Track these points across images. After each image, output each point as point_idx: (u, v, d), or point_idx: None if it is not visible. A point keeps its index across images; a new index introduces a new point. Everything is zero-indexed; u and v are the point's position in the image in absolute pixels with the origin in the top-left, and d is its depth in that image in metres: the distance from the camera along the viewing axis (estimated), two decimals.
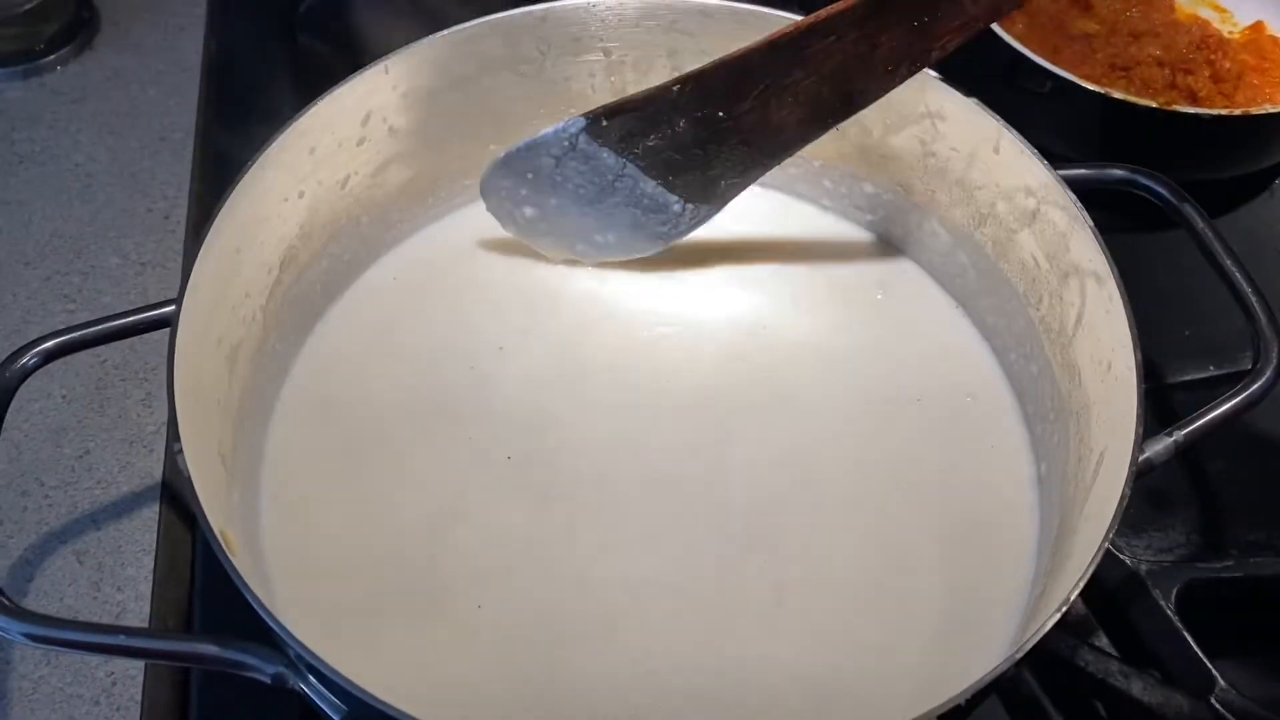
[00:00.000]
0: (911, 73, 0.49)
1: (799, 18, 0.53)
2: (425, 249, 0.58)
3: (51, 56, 0.74)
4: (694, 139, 0.51)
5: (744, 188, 0.53)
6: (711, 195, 0.53)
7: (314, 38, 0.78)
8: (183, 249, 0.65)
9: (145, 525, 0.55)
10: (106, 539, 0.54)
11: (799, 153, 0.58)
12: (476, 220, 0.59)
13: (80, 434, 0.58)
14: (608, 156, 0.51)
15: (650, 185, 0.52)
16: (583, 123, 0.51)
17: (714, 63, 0.49)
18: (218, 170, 0.69)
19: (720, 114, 0.50)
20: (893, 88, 0.49)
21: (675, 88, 0.50)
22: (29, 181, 0.68)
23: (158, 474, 0.56)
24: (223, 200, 0.46)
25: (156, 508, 0.55)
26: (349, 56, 0.77)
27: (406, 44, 0.53)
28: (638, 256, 0.57)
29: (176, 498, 0.57)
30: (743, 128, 0.50)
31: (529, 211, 0.55)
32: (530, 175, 0.53)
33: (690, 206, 0.53)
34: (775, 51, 0.48)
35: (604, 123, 0.51)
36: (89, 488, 0.56)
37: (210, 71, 0.74)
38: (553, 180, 0.53)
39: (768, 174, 0.59)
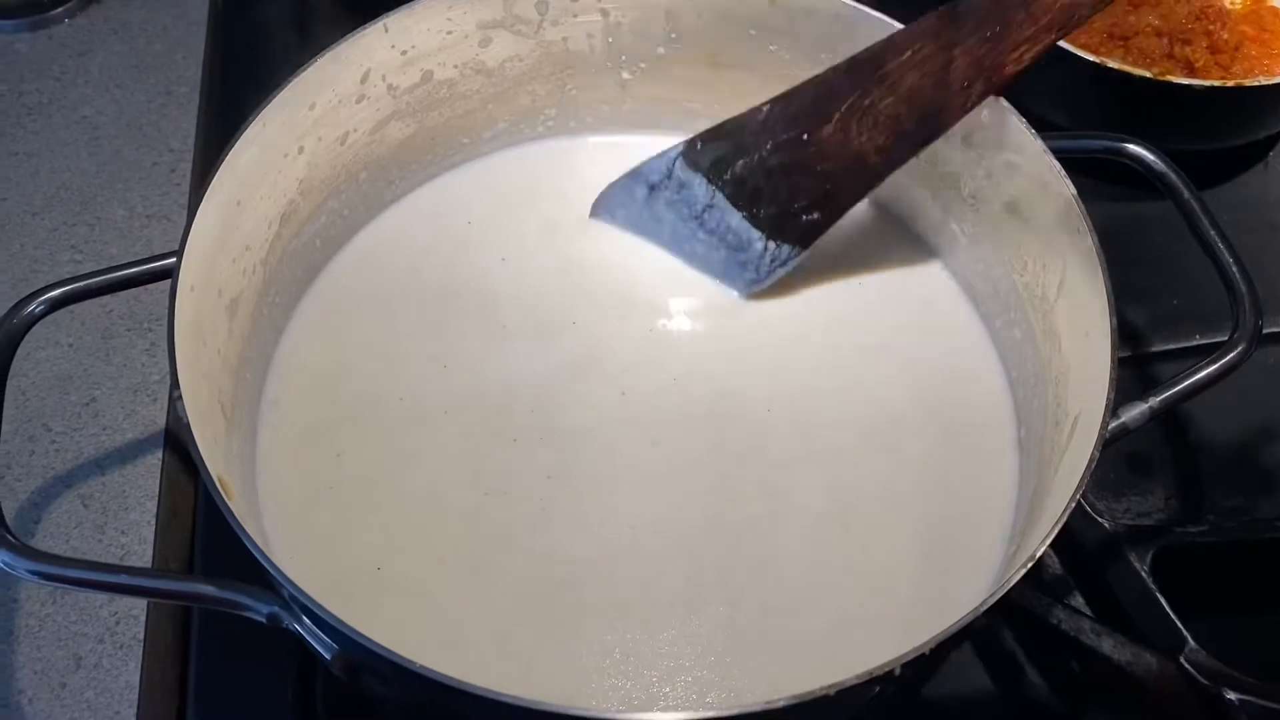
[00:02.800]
0: (988, 90, 0.48)
1: None
2: (423, 206, 0.59)
3: (59, 9, 0.74)
4: (779, 165, 0.52)
5: (826, 226, 0.53)
6: (794, 231, 0.53)
7: None
8: (188, 202, 0.66)
9: (149, 471, 0.56)
10: (111, 484, 0.56)
11: None
12: (474, 178, 0.60)
13: (86, 381, 0.59)
14: (699, 185, 0.54)
15: (735, 218, 0.53)
16: (681, 147, 0.54)
17: (798, 85, 0.51)
18: (223, 124, 0.70)
19: (804, 136, 0.51)
20: (971, 107, 0.49)
21: (764, 108, 0.52)
22: (37, 133, 0.69)
23: (161, 421, 0.58)
24: (224, 153, 0.47)
25: (160, 454, 0.57)
26: (354, 12, 0.77)
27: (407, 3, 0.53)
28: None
29: (179, 445, 0.58)
30: (826, 154, 0.51)
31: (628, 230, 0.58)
32: (626, 207, 0.57)
33: (773, 244, 0.54)
34: (855, 70, 0.50)
35: (699, 146, 0.53)
36: (94, 434, 0.57)
37: (216, 25, 0.75)
38: (646, 212, 0.56)
39: None
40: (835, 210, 0.53)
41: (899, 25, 0.53)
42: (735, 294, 0.56)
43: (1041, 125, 0.51)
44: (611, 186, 0.56)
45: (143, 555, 0.54)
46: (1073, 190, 0.47)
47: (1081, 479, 0.40)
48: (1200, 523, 0.56)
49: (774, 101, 0.52)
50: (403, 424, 0.52)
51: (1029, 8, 0.46)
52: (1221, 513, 0.56)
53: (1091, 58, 0.61)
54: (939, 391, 0.54)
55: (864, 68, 0.49)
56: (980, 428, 0.52)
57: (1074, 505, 0.39)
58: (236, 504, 0.40)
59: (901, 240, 0.58)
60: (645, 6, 0.56)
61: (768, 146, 0.52)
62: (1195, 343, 0.61)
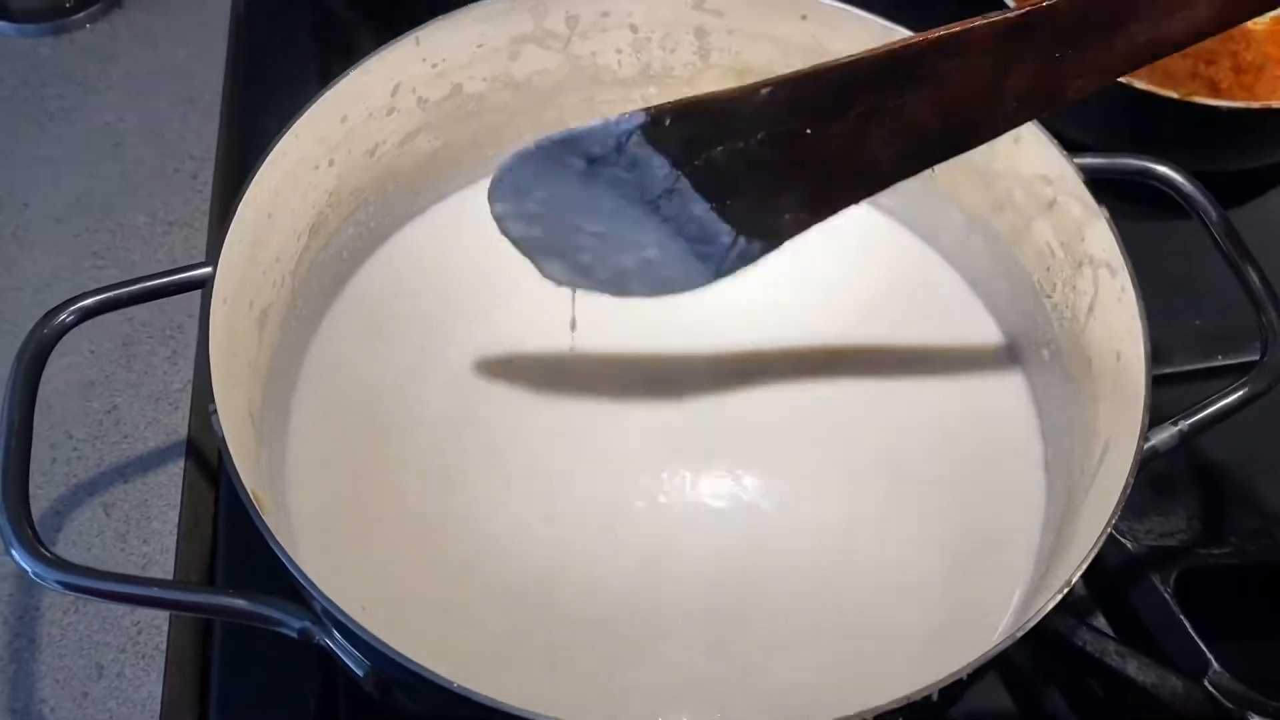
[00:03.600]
0: (1035, 114, 0.43)
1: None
2: (448, 218, 0.59)
3: (81, 14, 0.74)
4: (770, 157, 0.43)
5: (808, 225, 0.44)
6: (768, 228, 0.44)
7: (339, 4, 0.78)
8: (209, 210, 0.66)
9: (171, 480, 0.56)
10: (133, 492, 0.56)
11: None
12: None
13: (108, 389, 0.59)
14: (660, 166, 0.43)
15: (701, 207, 0.43)
16: (642, 118, 0.42)
17: (813, 68, 0.41)
18: (245, 133, 0.70)
19: (808, 130, 0.42)
20: (1010, 128, 0.43)
21: (764, 90, 0.42)
22: (59, 139, 0.69)
23: (183, 431, 0.58)
24: (256, 166, 0.47)
25: (182, 464, 0.57)
26: (373, 23, 0.78)
27: (434, 15, 0.53)
28: (663, 294, 0.46)
29: (200, 454, 0.58)
30: (828, 153, 0.42)
31: (540, 221, 0.46)
32: (553, 178, 0.44)
33: (742, 239, 0.44)
34: (892, 65, 0.41)
35: (667, 121, 0.42)
36: (116, 442, 0.57)
37: (238, 34, 0.75)
38: (579, 189, 0.44)
39: None
40: (823, 211, 0.44)
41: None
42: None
43: (1066, 144, 0.51)
44: (525, 155, 0.43)
45: (164, 565, 0.54)
46: (1105, 213, 0.48)
47: (1116, 505, 0.40)
48: (1223, 545, 0.56)
49: (777, 85, 0.42)
50: (428, 435, 0.52)
51: (1114, 33, 0.40)
52: (1244, 535, 0.56)
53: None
54: (963, 410, 0.54)
55: (904, 63, 0.41)
56: (1006, 448, 0.52)
57: (1108, 531, 0.39)
58: (270, 518, 0.40)
59: (925, 258, 0.58)
60: (675, 22, 0.56)
61: (759, 135, 0.42)
62: (1218, 363, 0.61)
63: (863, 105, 0.42)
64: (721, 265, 0.45)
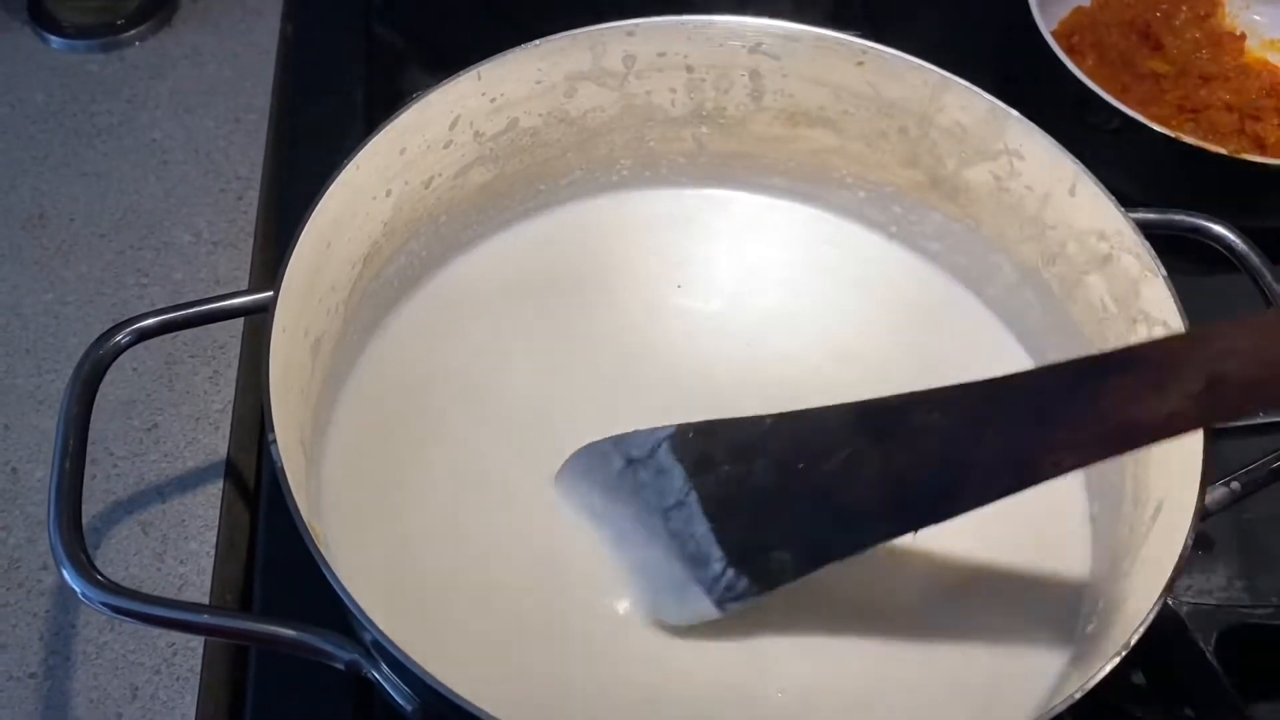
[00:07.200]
0: (1009, 488, 0.41)
1: (869, 43, 0.54)
2: (496, 250, 0.59)
3: (131, 31, 0.75)
4: (767, 483, 0.46)
5: (793, 575, 0.45)
6: (757, 565, 0.46)
7: (388, 30, 0.79)
8: (254, 231, 0.67)
9: (209, 501, 0.56)
10: (171, 512, 0.56)
11: (870, 178, 0.59)
12: (545, 228, 0.60)
13: (149, 407, 0.59)
14: (677, 477, 0.47)
15: (702, 526, 0.46)
16: (672, 430, 0.47)
17: (811, 409, 0.45)
18: (290, 154, 0.70)
19: (800, 465, 0.45)
20: (986, 502, 0.41)
21: (767, 420, 0.46)
22: (106, 154, 0.69)
23: (222, 451, 0.58)
24: (317, 197, 0.47)
25: (220, 484, 0.57)
26: (421, 51, 0.79)
27: (476, 40, 0.54)
28: (657, 615, 0.48)
29: (239, 476, 0.58)
30: (819, 489, 0.44)
31: (589, 509, 0.51)
32: (601, 470, 0.50)
33: (731, 571, 0.46)
34: (872, 413, 0.43)
35: (690, 435, 0.47)
36: (156, 460, 0.57)
37: (285, 56, 0.75)
38: (618, 485, 0.49)
39: (836, 195, 0.61)
40: (808, 559, 0.45)
41: (980, 91, 0.54)
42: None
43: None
44: (592, 447, 0.50)
45: (200, 586, 0.54)
46: (1164, 272, 0.48)
47: (1175, 569, 0.40)
48: (1265, 604, 0.55)
49: (780, 417, 0.46)
50: (470, 465, 0.52)
51: (1090, 408, 0.38)
52: None
53: (1167, 131, 0.61)
54: None
55: (883, 414, 0.43)
56: (1052, 500, 0.52)
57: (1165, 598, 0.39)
58: (325, 550, 0.40)
59: (972, 309, 0.58)
60: (731, 64, 0.56)
61: (760, 461, 0.46)
62: (1259, 420, 0.61)
63: (850, 447, 0.43)
64: (712, 594, 0.46)
